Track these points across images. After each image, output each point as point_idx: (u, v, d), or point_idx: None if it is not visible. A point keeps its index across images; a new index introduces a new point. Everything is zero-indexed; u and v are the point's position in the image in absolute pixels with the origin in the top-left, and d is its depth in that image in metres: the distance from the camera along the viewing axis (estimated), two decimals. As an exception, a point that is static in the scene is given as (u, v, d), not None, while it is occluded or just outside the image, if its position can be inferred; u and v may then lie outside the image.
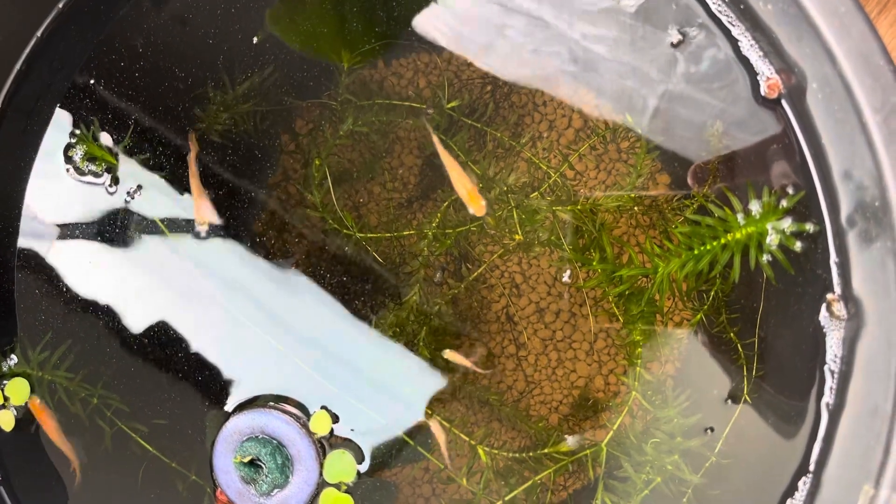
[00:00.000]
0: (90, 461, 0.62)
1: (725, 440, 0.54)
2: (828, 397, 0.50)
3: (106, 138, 0.62)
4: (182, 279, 0.61)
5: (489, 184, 0.57)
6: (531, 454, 0.57)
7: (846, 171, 0.49)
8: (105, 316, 0.62)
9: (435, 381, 0.58)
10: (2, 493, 0.62)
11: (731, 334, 0.54)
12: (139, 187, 0.61)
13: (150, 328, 0.61)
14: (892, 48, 0.61)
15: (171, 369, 0.60)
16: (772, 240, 0.51)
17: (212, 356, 0.60)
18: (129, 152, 0.61)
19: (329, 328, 0.59)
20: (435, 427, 0.57)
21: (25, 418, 0.62)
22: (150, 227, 0.61)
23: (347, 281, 0.59)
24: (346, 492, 0.57)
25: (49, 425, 0.62)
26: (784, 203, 0.51)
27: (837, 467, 0.50)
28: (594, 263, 0.56)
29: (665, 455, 0.54)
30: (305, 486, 0.56)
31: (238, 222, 0.60)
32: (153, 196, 0.61)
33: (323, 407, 0.58)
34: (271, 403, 0.58)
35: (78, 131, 0.62)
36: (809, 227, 0.51)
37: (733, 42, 0.53)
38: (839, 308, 0.50)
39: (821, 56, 0.48)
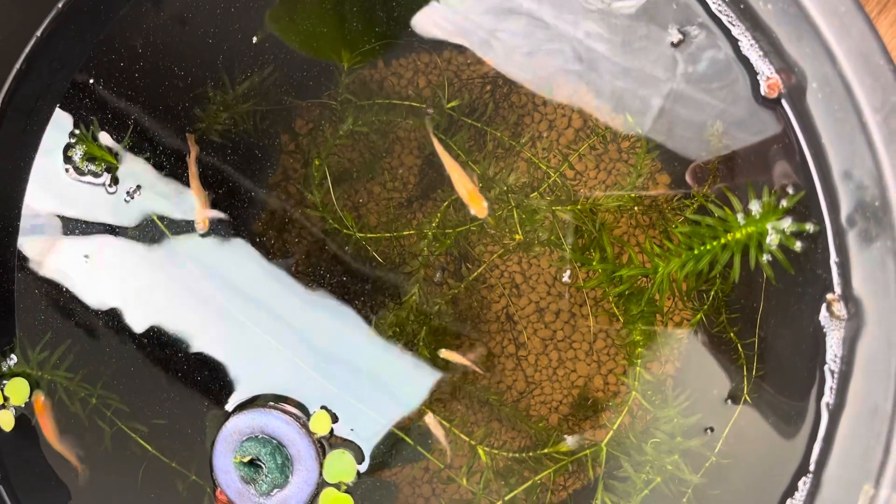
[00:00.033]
0: (90, 461, 0.62)
1: (725, 440, 0.54)
2: (828, 397, 0.50)
3: (105, 138, 0.62)
4: (182, 279, 0.61)
5: (489, 183, 0.57)
6: (531, 454, 0.57)
7: (846, 170, 0.49)
8: (105, 316, 0.62)
9: (435, 381, 0.58)
10: (2, 493, 0.62)
11: (731, 334, 0.54)
12: (139, 187, 0.61)
13: (150, 328, 0.61)
14: (892, 48, 0.61)
15: (171, 369, 0.60)
16: (772, 240, 0.51)
17: (212, 356, 0.60)
18: (129, 152, 0.61)
19: (329, 328, 0.59)
20: (434, 426, 0.57)
21: (25, 418, 0.62)
22: (150, 227, 0.61)
23: (347, 281, 0.59)
24: (346, 492, 0.57)
25: (49, 425, 0.62)
26: (784, 203, 0.51)
27: (837, 467, 0.50)
28: (594, 263, 0.55)
29: (665, 455, 0.54)
30: (305, 486, 0.56)
31: (238, 222, 0.60)
32: (153, 196, 0.61)
33: (323, 407, 0.58)
34: (271, 403, 0.58)
35: (77, 131, 0.62)
36: (809, 226, 0.51)
37: (733, 42, 0.53)
38: (839, 308, 0.50)
39: (821, 56, 0.48)
